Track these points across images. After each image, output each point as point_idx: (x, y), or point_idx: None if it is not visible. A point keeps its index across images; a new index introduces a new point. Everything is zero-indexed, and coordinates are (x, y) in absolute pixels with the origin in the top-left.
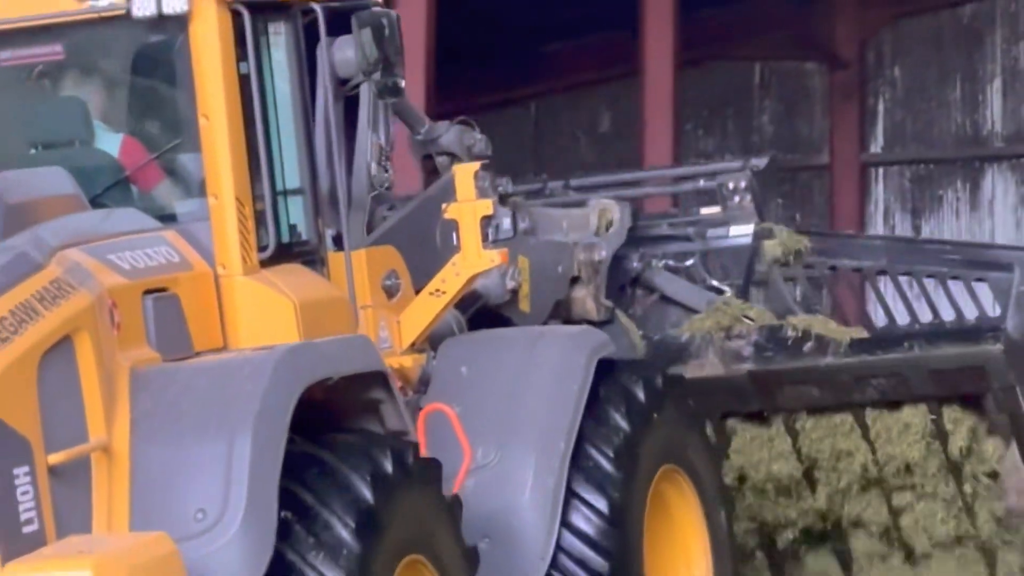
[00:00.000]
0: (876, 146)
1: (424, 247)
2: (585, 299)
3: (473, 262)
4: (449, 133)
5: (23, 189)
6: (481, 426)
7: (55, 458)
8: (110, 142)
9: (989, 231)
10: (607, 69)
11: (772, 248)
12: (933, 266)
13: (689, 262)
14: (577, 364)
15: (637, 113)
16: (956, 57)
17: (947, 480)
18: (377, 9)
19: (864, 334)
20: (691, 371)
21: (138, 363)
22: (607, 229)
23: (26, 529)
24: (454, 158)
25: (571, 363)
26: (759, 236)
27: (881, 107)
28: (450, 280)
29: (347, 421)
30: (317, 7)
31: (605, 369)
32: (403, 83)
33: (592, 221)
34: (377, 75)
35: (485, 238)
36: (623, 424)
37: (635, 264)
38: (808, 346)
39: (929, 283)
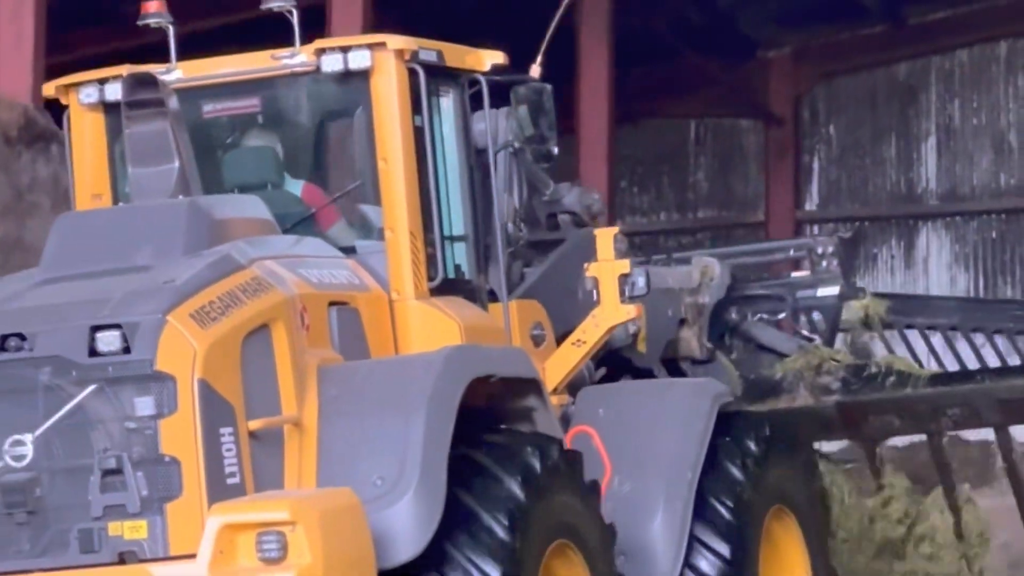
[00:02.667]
0: (811, 203)
1: (563, 300)
2: (690, 339)
3: (612, 315)
4: (571, 194)
5: (227, 209)
6: (617, 459)
7: (254, 424)
8: (295, 186)
9: (924, 288)
10: None
11: (856, 309)
12: (1001, 323)
13: (781, 315)
14: (702, 409)
15: (573, 169)
16: (891, 115)
17: None
18: (534, 84)
19: (940, 370)
20: (784, 403)
21: (324, 361)
22: (709, 282)
23: (229, 481)
24: (575, 216)
25: (697, 408)
26: (844, 296)
27: (816, 164)
28: (590, 331)
29: (506, 424)
30: (482, 79)
31: (722, 419)
32: (556, 151)
33: (695, 277)
34: (532, 144)
35: (622, 294)
36: (739, 476)
37: (733, 316)
38: (890, 380)
39: (998, 340)
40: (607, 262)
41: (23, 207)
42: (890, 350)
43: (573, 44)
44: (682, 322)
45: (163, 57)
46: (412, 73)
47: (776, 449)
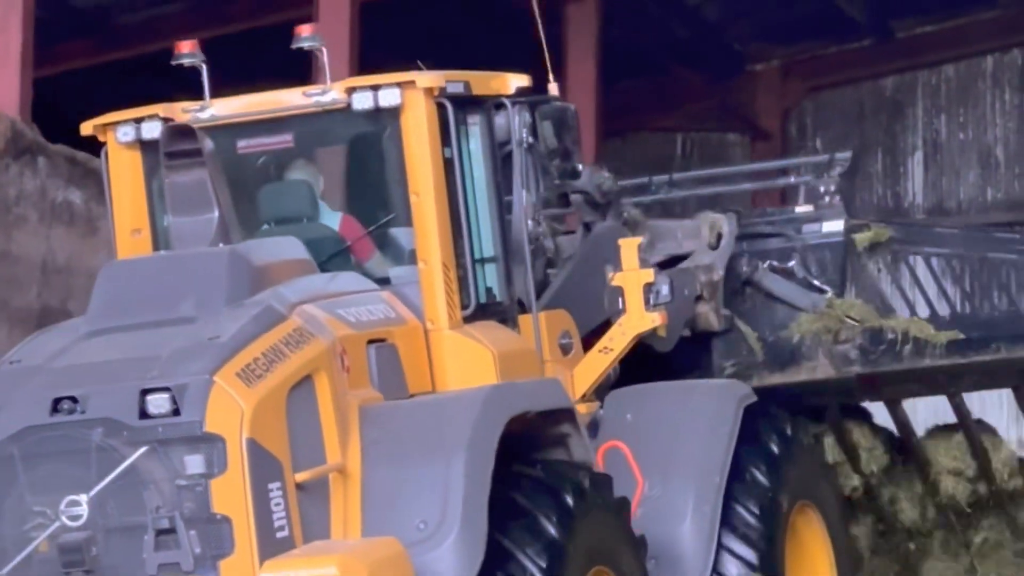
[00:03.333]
0: None
1: (586, 301)
2: (708, 314)
3: (638, 323)
4: (583, 175)
5: (266, 254)
6: (646, 464)
7: (301, 476)
8: (331, 218)
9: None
10: None
11: (862, 240)
12: (1006, 253)
13: (791, 263)
14: (728, 412)
15: None
16: (877, 129)
17: None
18: (558, 104)
19: (956, 335)
20: (805, 374)
21: (365, 401)
22: (717, 240)
23: (279, 535)
24: (587, 195)
25: (722, 411)
26: (850, 231)
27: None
28: (617, 339)
29: (540, 454)
30: (507, 101)
31: (745, 420)
32: (580, 167)
33: (704, 232)
34: (557, 161)
35: (647, 302)
36: (764, 480)
37: (744, 268)
38: (907, 349)
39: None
40: (632, 271)
41: (10, 220)
42: (897, 284)
43: (560, 58)
44: (699, 298)
45: (157, 72)
46: (440, 107)
47: (798, 446)
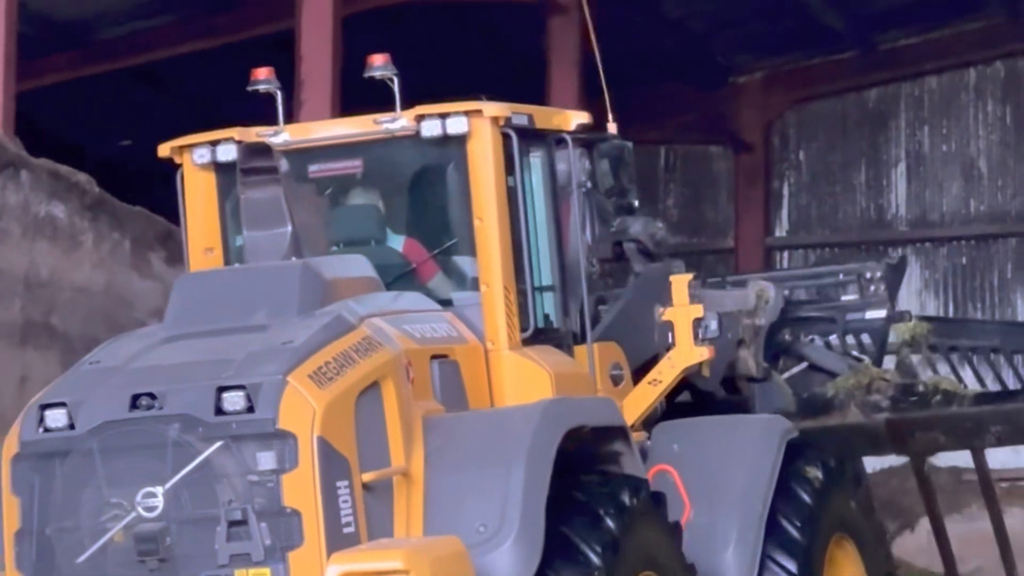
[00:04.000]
0: (781, 230)
1: (637, 336)
2: (748, 359)
3: (687, 357)
4: (636, 224)
5: (336, 270)
6: (692, 491)
7: (367, 476)
8: (396, 241)
9: None
10: None
11: (902, 332)
12: None
13: (832, 337)
14: (771, 445)
15: None
16: (861, 141)
17: None
18: (616, 141)
19: (984, 390)
20: (836, 419)
21: (428, 412)
22: (764, 305)
23: (345, 530)
24: (640, 245)
25: (766, 444)
26: (891, 319)
27: (786, 191)
28: (666, 371)
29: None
30: (568, 138)
31: (790, 451)
32: (636, 203)
33: (751, 299)
34: (613, 197)
35: (696, 337)
36: (807, 499)
37: (786, 337)
38: (936, 399)
39: None
40: (682, 307)
41: None
42: (934, 371)
43: (543, 70)
44: (740, 343)
45: (139, 85)
46: (505, 137)
47: (838, 481)
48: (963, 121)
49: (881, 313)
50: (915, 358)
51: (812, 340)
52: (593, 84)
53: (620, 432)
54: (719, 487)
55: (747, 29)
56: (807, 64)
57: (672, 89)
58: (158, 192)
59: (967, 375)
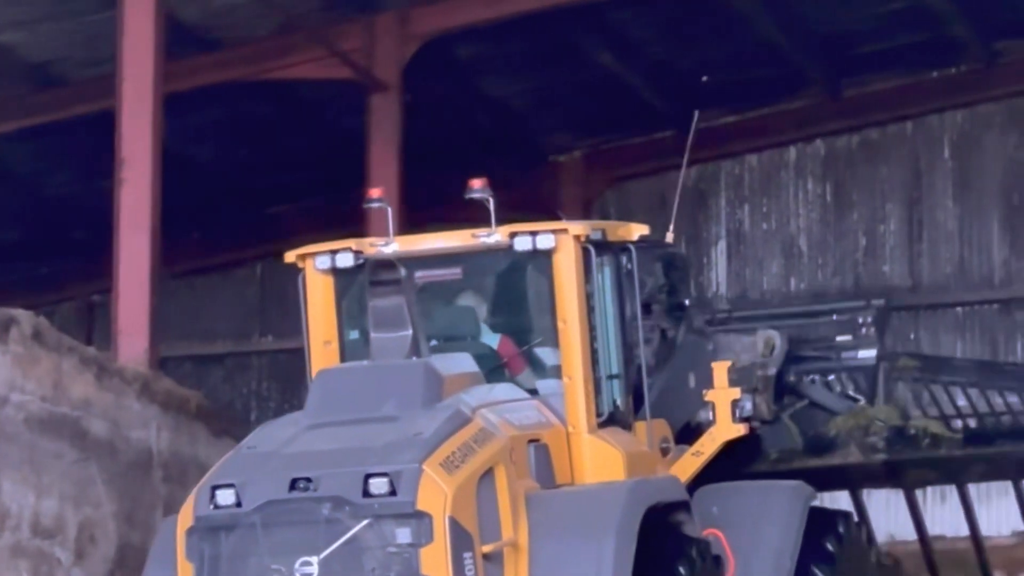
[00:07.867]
0: None
1: (677, 410)
2: (760, 404)
3: (726, 432)
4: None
5: (449, 366)
6: (733, 551)
7: (486, 548)
8: (489, 338)
9: None
10: (333, 230)
11: (891, 368)
12: (1015, 382)
13: (831, 378)
14: (797, 509)
15: None
16: (681, 219)
17: None
18: (671, 250)
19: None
20: (839, 459)
21: (528, 489)
22: (771, 352)
23: None
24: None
25: (794, 508)
26: (881, 357)
27: None
28: (707, 444)
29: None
30: (632, 247)
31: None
32: (687, 302)
33: (759, 346)
34: (663, 295)
35: (733, 415)
36: (832, 550)
37: (791, 378)
38: (926, 442)
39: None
40: (722, 389)
41: None
42: (918, 402)
43: (363, 150)
44: (754, 391)
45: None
46: (585, 250)
47: (850, 549)
48: (783, 199)
49: (872, 352)
50: (902, 388)
51: (813, 380)
52: (414, 162)
53: (684, 505)
54: (756, 545)
55: (566, 108)
56: (627, 143)
57: (492, 167)
58: None
59: (946, 403)
